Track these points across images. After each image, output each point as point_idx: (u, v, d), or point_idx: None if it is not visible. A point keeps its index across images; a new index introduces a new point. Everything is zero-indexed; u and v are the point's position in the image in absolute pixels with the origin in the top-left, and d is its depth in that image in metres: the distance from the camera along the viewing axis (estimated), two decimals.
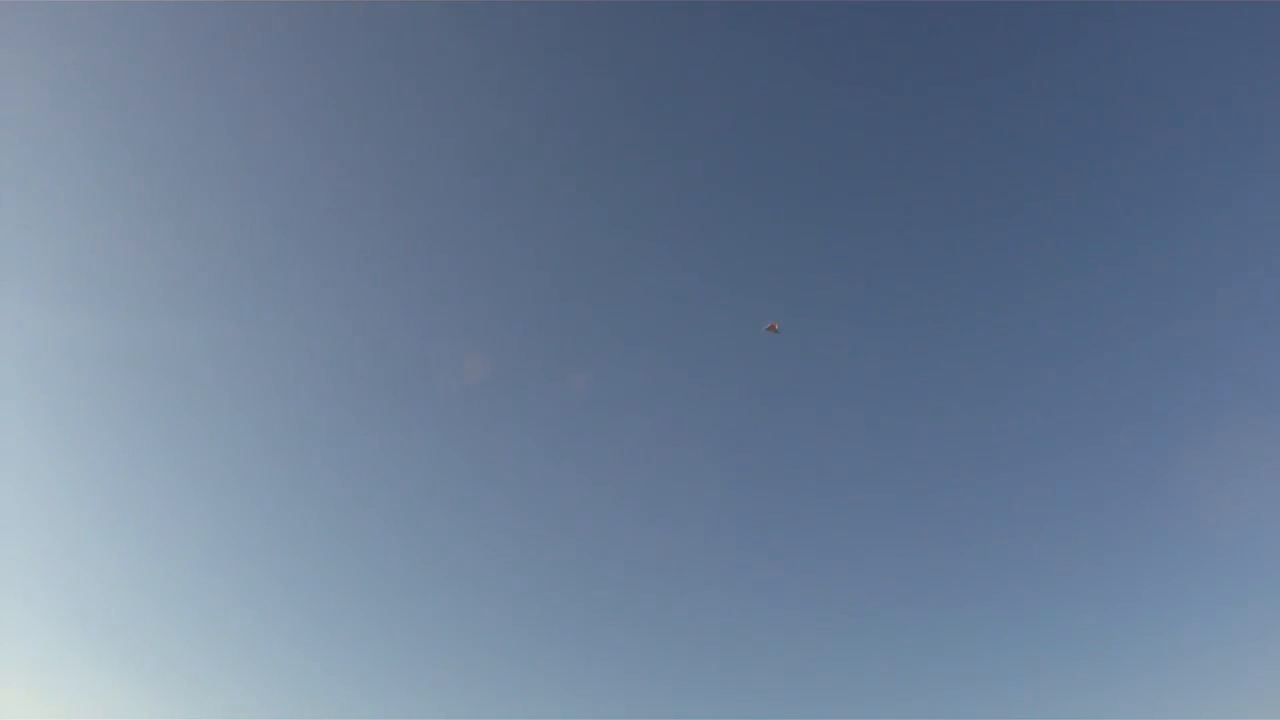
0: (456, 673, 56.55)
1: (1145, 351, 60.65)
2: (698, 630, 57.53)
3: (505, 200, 63.59)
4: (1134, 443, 59.39)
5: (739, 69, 62.89)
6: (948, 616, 57.17)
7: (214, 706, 51.84)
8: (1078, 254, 62.26)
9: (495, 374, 60.94)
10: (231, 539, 58.89)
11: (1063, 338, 62.03)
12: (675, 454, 61.62)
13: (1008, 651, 55.46)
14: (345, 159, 61.99)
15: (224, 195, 60.40)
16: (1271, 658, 50.51)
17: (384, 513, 61.06)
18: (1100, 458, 59.74)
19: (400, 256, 63.65)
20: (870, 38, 62.01)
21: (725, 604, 58.64)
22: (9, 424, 54.22)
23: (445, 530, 61.93)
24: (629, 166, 64.62)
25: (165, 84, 58.50)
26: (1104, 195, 61.67)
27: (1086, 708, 50.99)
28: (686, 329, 63.47)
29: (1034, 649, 55.07)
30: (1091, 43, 59.13)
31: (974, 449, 61.64)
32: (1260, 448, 54.30)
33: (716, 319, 62.99)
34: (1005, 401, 61.62)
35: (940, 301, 64.10)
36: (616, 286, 64.53)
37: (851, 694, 53.91)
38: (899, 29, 61.12)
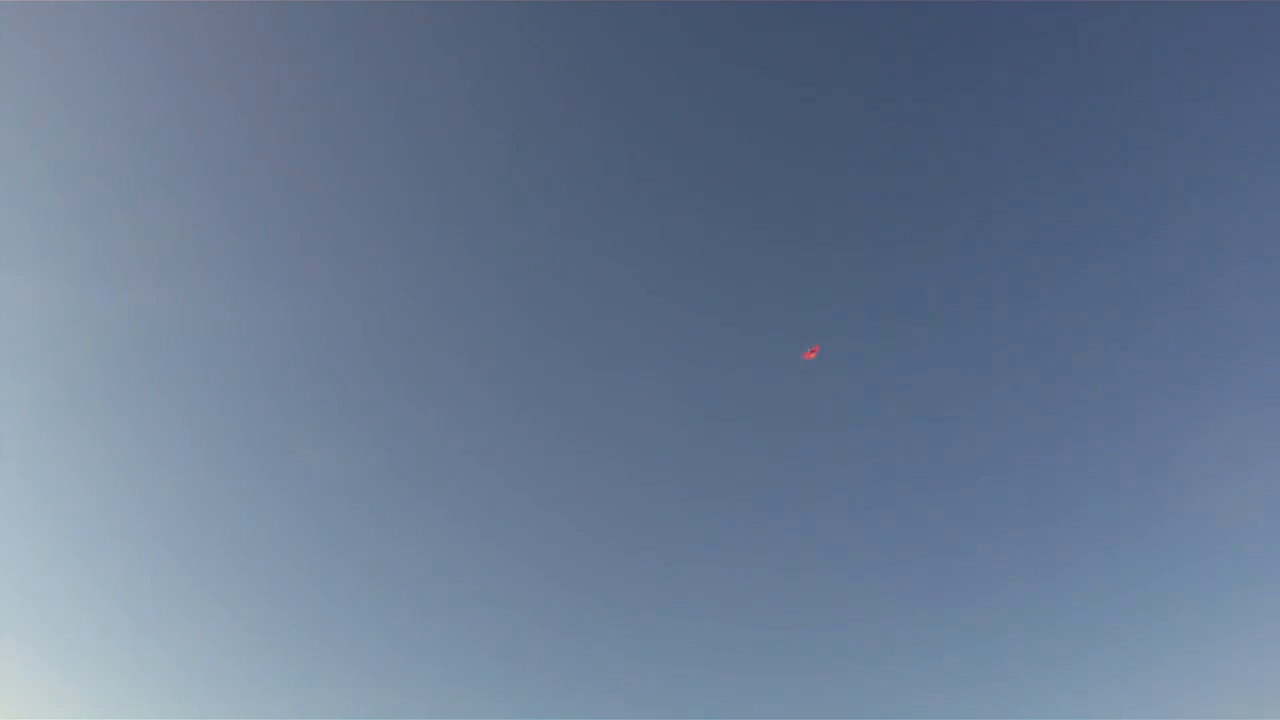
0: (455, 673, 56.59)
1: (1144, 349, 60.58)
2: (697, 630, 57.60)
3: (507, 202, 63.61)
4: (1134, 441, 59.29)
5: (749, 74, 62.96)
6: (947, 617, 57.16)
7: (212, 706, 52.00)
8: (1078, 252, 62.21)
9: (496, 375, 61.08)
10: (229, 537, 59.00)
11: (1062, 334, 62.00)
12: (675, 456, 61.65)
13: (1006, 652, 55.43)
14: (347, 158, 62.12)
15: (232, 195, 60.59)
16: (1271, 657, 50.46)
17: (383, 511, 61.16)
18: (1099, 456, 59.66)
19: (403, 257, 63.68)
20: (870, 41, 61.97)
21: (725, 605, 58.71)
22: (13, 404, 54.43)
23: (444, 530, 62.04)
24: (632, 168, 64.69)
25: (173, 79, 58.60)
26: (1104, 192, 61.62)
27: (1085, 707, 50.95)
28: (688, 331, 63.46)
29: (1032, 649, 55.07)
30: (1096, 40, 59.03)
31: (973, 448, 61.59)
32: (1261, 446, 54.22)
33: (717, 321, 63.05)
34: (1004, 400, 61.58)
35: (938, 301, 64.19)
36: (618, 288, 64.55)
37: (851, 695, 53.92)
38: (899, 32, 61.10)
